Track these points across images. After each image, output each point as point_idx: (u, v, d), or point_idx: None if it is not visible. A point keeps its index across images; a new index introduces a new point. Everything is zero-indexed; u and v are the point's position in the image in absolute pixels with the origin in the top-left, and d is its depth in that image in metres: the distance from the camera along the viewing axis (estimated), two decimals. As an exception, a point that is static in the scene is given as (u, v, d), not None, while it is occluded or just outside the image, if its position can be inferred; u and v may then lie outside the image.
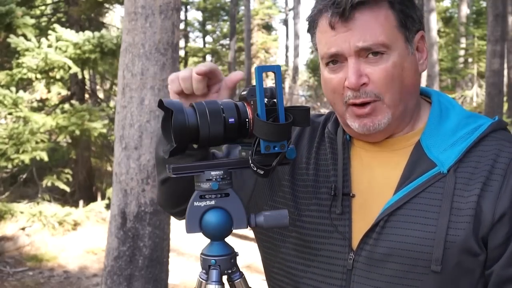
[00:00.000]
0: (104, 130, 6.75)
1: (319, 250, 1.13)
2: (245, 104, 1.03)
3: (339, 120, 1.18)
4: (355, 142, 1.18)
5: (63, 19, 8.59)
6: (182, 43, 26.70)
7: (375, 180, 1.13)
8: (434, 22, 11.85)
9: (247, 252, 4.60)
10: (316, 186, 1.17)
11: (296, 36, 33.42)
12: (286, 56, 42.03)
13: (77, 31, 6.90)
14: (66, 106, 6.98)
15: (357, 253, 1.09)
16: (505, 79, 14.85)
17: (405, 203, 1.06)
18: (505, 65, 14.30)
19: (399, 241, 1.05)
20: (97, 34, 6.56)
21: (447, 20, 28.03)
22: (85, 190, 7.88)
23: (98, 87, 11.29)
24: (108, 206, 6.19)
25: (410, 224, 1.05)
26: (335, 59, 1.08)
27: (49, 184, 7.01)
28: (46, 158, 6.35)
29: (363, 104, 1.07)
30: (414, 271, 1.04)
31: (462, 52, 23.08)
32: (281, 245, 1.20)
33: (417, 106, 1.14)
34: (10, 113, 6.43)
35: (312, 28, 1.14)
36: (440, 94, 1.19)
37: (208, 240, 1.09)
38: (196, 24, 33.18)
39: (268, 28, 34.16)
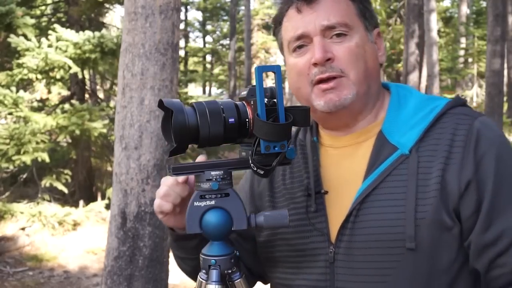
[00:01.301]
0: (104, 130, 6.75)
1: (304, 250, 1.16)
2: (245, 104, 1.03)
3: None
4: (323, 142, 1.23)
5: (63, 19, 8.59)
6: (182, 43, 26.70)
7: (344, 174, 1.17)
8: (434, 22, 11.84)
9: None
10: (292, 191, 1.21)
11: (296, 36, 33.41)
12: (286, 56, 42.00)
13: (77, 31, 6.89)
14: (66, 106, 6.97)
15: (337, 246, 1.12)
16: (505, 79, 14.85)
17: (373, 189, 1.09)
18: (505, 65, 14.30)
19: (374, 226, 1.08)
20: (97, 34, 6.55)
21: (447, 20, 28.01)
22: (85, 190, 7.87)
23: (98, 87, 11.29)
24: (108, 206, 6.19)
25: (381, 208, 1.08)
26: (302, 44, 1.14)
27: (49, 184, 7.01)
28: (47, 159, 6.35)
29: (329, 80, 1.12)
30: (392, 252, 1.07)
31: (462, 52, 23.07)
32: (272, 252, 1.23)
33: (380, 96, 1.20)
34: (10, 113, 6.42)
35: (278, 24, 1.21)
36: (398, 85, 1.24)
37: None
38: (196, 24, 33.18)
39: (268, 28, 34.13)
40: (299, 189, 1.19)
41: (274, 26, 1.24)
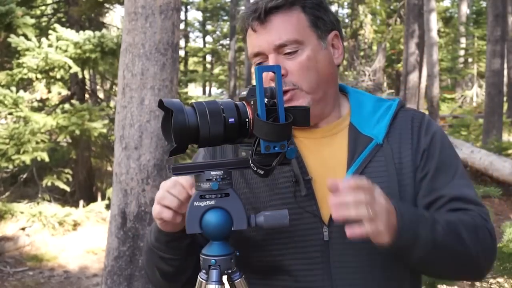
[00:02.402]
0: (104, 130, 6.74)
1: (292, 232, 1.21)
2: (245, 104, 1.03)
3: None
4: (296, 134, 1.29)
5: (63, 19, 8.59)
6: (182, 43, 26.69)
7: (327, 162, 1.26)
8: (434, 22, 11.83)
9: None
10: (272, 181, 1.25)
11: (296, 36, 33.38)
12: (286, 56, 41.99)
13: (77, 31, 6.89)
14: (67, 106, 6.96)
15: (330, 225, 1.21)
16: (505, 79, 14.85)
17: (359, 175, 1.21)
18: (505, 65, 14.30)
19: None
20: (97, 33, 6.54)
21: (447, 20, 28.01)
22: (85, 190, 7.87)
23: (98, 87, 11.29)
24: (108, 206, 6.19)
25: None
26: (262, 61, 1.25)
27: (49, 184, 7.01)
28: (46, 159, 6.35)
29: (284, 93, 1.20)
30: None
31: (462, 52, 23.07)
32: (255, 236, 1.25)
33: (338, 96, 1.34)
34: (10, 113, 6.42)
35: (244, 37, 1.32)
36: (350, 87, 1.40)
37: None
38: (196, 24, 33.17)
39: (268, 28, 34.10)
40: (281, 177, 1.24)
41: (242, 37, 1.35)
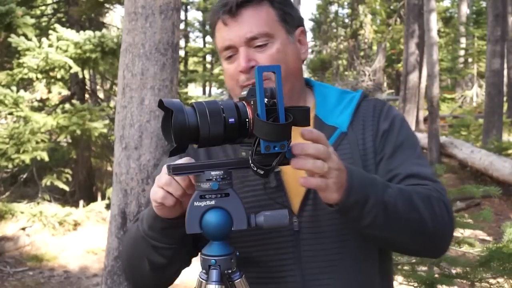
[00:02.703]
0: (105, 130, 6.74)
1: None
2: (245, 104, 1.03)
3: None
4: None
5: (64, 19, 8.59)
6: (182, 43, 26.69)
7: None
8: (434, 22, 11.82)
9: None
10: (243, 172, 1.25)
11: (296, 36, 33.36)
12: (286, 56, 41.94)
13: (77, 31, 6.89)
14: (67, 106, 6.96)
15: (300, 215, 1.25)
16: (505, 79, 14.84)
17: None
18: (505, 65, 14.30)
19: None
20: (98, 33, 6.54)
21: (447, 20, 28.00)
22: (85, 190, 7.87)
23: (98, 87, 11.29)
24: (108, 206, 6.19)
25: None
26: (232, 54, 1.28)
27: (49, 184, 7.01)
28: (46, 158, 6.35)
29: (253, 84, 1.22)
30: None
31: (462, 52, 23.06)
32: None
33: (303, 89, 1.38)
34: (10, 113, 6.42)
35: (213, 31, 1.34)
36: (314, 81, 1.43)
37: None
38: (196, 24, 33.18)
39: (268, 28, 34.09)
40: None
41: (211, 32, 1.36)
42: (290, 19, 1.32)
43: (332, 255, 1.24)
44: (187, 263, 1.31)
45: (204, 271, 1.07)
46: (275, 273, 1.24)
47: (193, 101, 4.03)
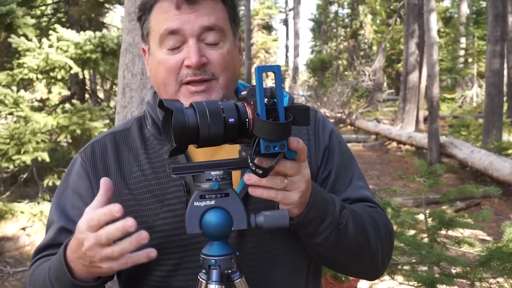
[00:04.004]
0: (105, 130, 6.74)
1: (187, 246, 1.17)
2: (245, 104, 1.03)
3: (159, 116, 1.23)
4: None
5: (64, 19, 8.59)
6: (182, 43, 26.58)
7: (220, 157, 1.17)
8: (434, 22, 11.82)
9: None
10: (161, 191, 1.19)
11: (296, 36, 33.39)
12: (286, 56, 42.00)
13: (77, 31, 6.89)
14: (67, 106, 6.97)
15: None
16: (505, 79, 14.84)
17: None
18: (505, 65, 14.30)
19: (264, 201, 1.09)
20: (98, 34, 6.54)
21: (447, 20, 28.01)
22: (86, 190, 7.86)
23: (98, 87, 11.29)
24: (108, 206, 6.17)
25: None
26: (175, 46, 1.15)
27: (49, 184, 7.01)
28: (47, 159, 6.35)
29: (200, 82, 1.15)
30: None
31: (462, 52, 23.07)
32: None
33: (233, 95, 1.27)
34: (11, 113, 6.42)
35: (146, 12, 1.20)
36: (243, 83, 1.35)
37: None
38: (196, 24, 33.05)
39: (268, 28, 34.13)
40: (171, 186, 1.19)
41: (141, 12, 1.22)
42: (237, 22, 1.24)
43: (263, 271, 1.20)
44: None
45: (204, 271, 1.07)
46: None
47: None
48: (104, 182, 1.01)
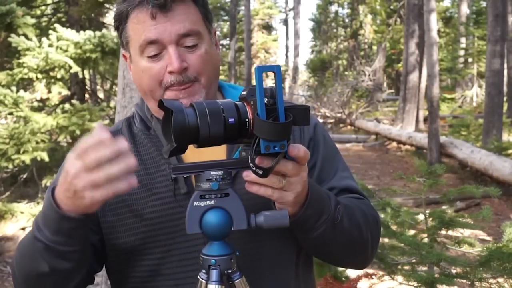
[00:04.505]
0: (105, 130, 6.72)
1: (174, 233, 1.19)
2: (245, 104, 1.03)
3: (146, 115, 1.32)
4: None
5: (63, 19, 8.59)
6: (182, 43, 26.57)
7: (205, 156, 1.16)
8: (434, 22, 11.82)
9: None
10: (150, 180, 1.23)
11: (296, 36, 33.40)
12: (286, 56, 42.02)
13: (77, 31, 6.89)
14: (67, 106, 6.97)
15: None
16: (505, 79, 14.85)
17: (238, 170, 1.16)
18: (505, 65, 14.30)
19: (246, 199, 1.11)
20: (98, 33, 6.54)
21: (447, 20, 28.02)
22: (85, 190, 7.86)
23: (98, 87, 11.30)
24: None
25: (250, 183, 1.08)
26: (155, 54, 1.19)
27: (49, 184, 7.01)
28: (46, 159, 6.35)
29: (184, 86, 1.20)
30: None
31: (462, 52, 23.08)
32: (133, 245, 1.22)
33: (215, 93, 1.31)
34: (10, 113, 6.42)
35: (122, 22, 1.23)
36: (224, 82, 1.39)
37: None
38: (196, 24, 33.07)
39: (268, 28, 34.15)
40: (158, 176, 1.23)
41: (117, 22, 1.25)
42: (210, 18, 1.27)
43: (249, 261, 1.19)
44: (91, 278, 1.24)
45: (204, 271, 1.07)
46: (185, 285, 1.20)
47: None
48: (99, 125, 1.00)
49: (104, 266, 1.33)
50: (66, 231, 1.03)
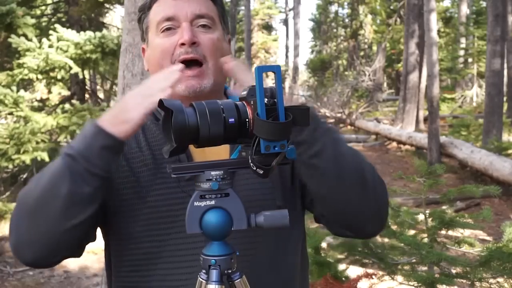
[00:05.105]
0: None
1: (176, 217, 1.20)
2: (245, 104, 1.03)
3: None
4: None
5: (64, 19, 8.60)
6: (182, 43, 26.59)
7: (211, 150, 1.15)
8: (434, 22, 11.81)
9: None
10: (156, 164, 1.25)
11: (296, 36, 33.39)
12: (286, 56, 42.00)
13: (77, 31, 6.89)
14: (67, 106, 6.97)
15: None
16: (505, 79, 14.84)
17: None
18: (505, 65, 14.30)
19: (247, 189, 1.20)
20: (98, 34, 6.55)
21: (447, 20, 28.01)
22: (85, 190, 7.86)
23: (98, 87, 11.30)
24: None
25: (251, 176, 1.07)
26: (170, 26, 1.26)
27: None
28: (47, 159, 6.35)
29: (192, 65, 1.24)
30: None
31: (462, 52, 23.07)
32: (133, 227, 1.24)
33: (222, 92, 1.35)
34: (11, 113, 6.42)
35: (145, 11, 1.32)
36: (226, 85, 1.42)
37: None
38: (196, 24, 33.11)
39: (268, 28, 34.15)
40: (164, 160, 1.24)
41: (141, 12, 1.34)
42: (227, 21, 1.36)
43: (247, 249, 1.21)
44: (94, 234, 1.26)
45: (204, 271, 1.07)
46: (185, 268, 1.21)
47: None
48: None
49: (104, 252, 1.36)
50: (98, 149, 1.07)
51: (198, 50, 1.24)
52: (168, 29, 1.26)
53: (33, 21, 6.76)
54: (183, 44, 1.23)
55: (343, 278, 3.07)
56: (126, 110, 1.10)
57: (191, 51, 1.23)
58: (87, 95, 8.14)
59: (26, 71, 6.49)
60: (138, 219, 1.23)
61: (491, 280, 2.91)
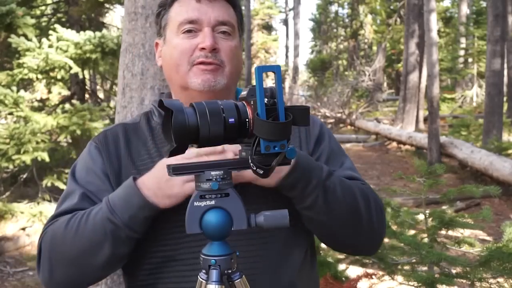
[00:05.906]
0: (105, 130, 6.72)
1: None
2: (245, 104, 1.03)
3: (172, 93, 1.41)
4: None
5: (63, 19, 8.59)
6: (182, 43, 26.57)
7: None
8: (434, 22, 11.81)
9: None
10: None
11: (296, 36, 33.39)
12: (286, 56, 42.00)
13: (77, 31, 6.89)
14: (67, 106, 6.96)
15: None
16: (505, 79, 14.84)
17: None
18: (505, 65, 14.30)
19: (262, 195, 1.22)
20: (98, 34, 6.54)
21: (447, 20, 28.01)
22: (85, 190, 7.84)
23: (98, 87, 11.30)
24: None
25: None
26: (191, 29, 1.29)
27: (49, 184, 7.01)
28: (47, 159, 6.35)
29: (210, 64, 1.29)
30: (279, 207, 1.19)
31: (462, 52, 23.06)
32: (153, 232, 1.26)
33: (233, 94, 1.39)
34: (11, 113, 6.42)
35: (166, 7, 1.35)
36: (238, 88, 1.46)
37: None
38: (196, 24, 33.08)
39: (268, 28, 34.14)
40: None
41: (161, 8, 1.36)
42: (243, 28, 1.42)
43: (257, 250, 1.24)
44: None
45: (204, 271, 1.07)
46: (191, 271, 1.21)
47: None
48: None
49: None
50: (142, 219, 1.15)
51: (217, 56, 1.29)
52: (189, 31, 1.29)
53: (33, 21, 6.76)
54: (203, 48, 1.27)
55: (343, 278, 3.07)
56: (171, 186, 1.15)
57: (210, 56, 1.28)
58: (87, 95, 8.13)
59: (26, 71, 6.49)
60: (156, 223, 1.23)
61: (491, 280, 2.91)
